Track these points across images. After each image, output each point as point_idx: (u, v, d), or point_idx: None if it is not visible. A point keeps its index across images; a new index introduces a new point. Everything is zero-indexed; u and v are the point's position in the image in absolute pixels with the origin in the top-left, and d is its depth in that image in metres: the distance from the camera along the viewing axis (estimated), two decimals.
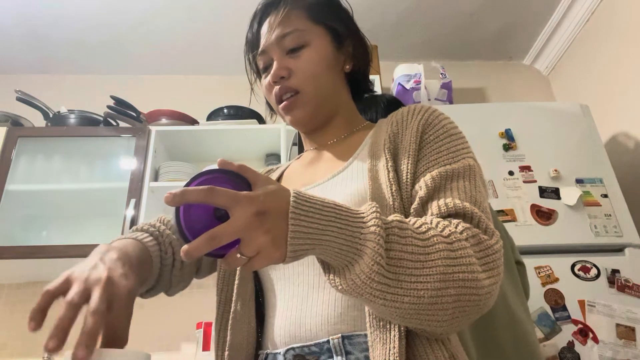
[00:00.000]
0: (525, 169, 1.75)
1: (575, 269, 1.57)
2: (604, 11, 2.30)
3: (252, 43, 0.87)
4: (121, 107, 2.14)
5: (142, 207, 1.91)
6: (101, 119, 2.18)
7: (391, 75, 2.42)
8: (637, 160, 2.05)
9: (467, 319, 0.57)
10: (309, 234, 0.50)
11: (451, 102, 2.28)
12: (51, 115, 2.17)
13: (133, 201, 1.88)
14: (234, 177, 0.53)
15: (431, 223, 0.58)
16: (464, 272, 0.54)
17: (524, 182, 1.72)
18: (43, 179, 2.05)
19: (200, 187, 0.48)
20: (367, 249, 0.51)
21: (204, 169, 0.55)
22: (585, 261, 1.58)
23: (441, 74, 2.32)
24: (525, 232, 1.63)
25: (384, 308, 0.54)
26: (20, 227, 2.05)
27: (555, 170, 1.73)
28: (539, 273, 1.56)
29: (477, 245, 0.58)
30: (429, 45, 2.66)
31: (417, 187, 0.66)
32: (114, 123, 2.20)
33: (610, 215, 1.66)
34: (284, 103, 0.80)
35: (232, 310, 0.74)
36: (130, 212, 1.85)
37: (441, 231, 0.57)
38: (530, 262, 1.57)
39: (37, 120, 2.21)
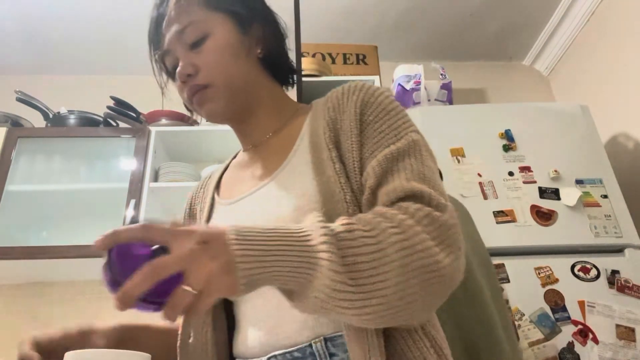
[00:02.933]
0: (525, 169, 1.75)
1: (575, 270, 1.57)
2: (603, 12, 2.30)
3: (155, 42, 0.83)
4: (121, 108, 2.14)
5: (142, 207, 1.90)
6: (101, 119, 2.18)
7: (391, 76, 2.42)
8: (637, 161, 2.05)
9: (439, 299, 0.57)
10: (257, 257, 0.47)
11: (451, 103, 2.28)
12: (51, 115, 2.16)
13: (133, 202, 1.88)
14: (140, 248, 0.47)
15: (381, 215, 0.55)
16: (422, 259, 0.53)
17: (524, 182, 1.72)
18: (43, 180, 2.05)
19: (133, 225, 0.45)
20: (322, 261, 0.49)
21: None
22: (585, 262, 1.58)
23: (441, 74, 2.32)
24: (525, 232, 1.63)
25: (357, 317, 0.52)
26: (20, 228, 2.04)
27: (555, 171, 1.73)
28: (539, 274, 1.56)
29: (431, 224, 0.56)
30: (428, 45, 2.66)
31: (365, 175, 0.64)
32: (114, 123, 2.20)
33: (610, 215, 1.66)
34: (195, 97, 0.75)
35: (181, 340, 0.73)
36: (130, 213, 1.85)
37: (391, 222, 0.54)
38: (530, 263, 1.57)
39: (37, 120, 2.21)
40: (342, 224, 0.52)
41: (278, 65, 0.83)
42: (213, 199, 0.83)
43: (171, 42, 0.76)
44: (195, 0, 0.76)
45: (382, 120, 0.68)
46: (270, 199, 0.71)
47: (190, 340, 0.72)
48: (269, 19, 0.82)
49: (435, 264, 0.53)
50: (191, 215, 0.88)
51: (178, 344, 0.75)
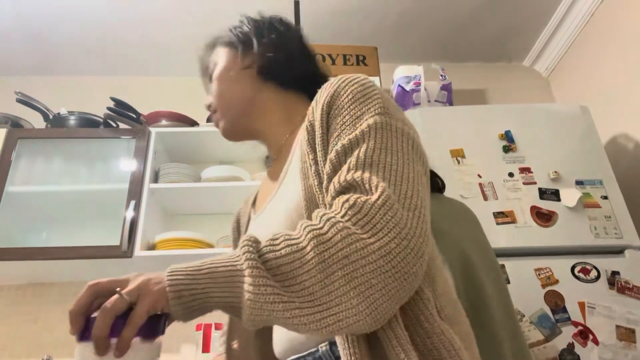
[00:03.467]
0: (525, 170, 1.75)
1: (575, 271, 1.57)
2: (603, 13, 2.30)
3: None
4: (121, 109, 2.14)
5: (142, 208, 1.90)
6: (101, 120, 2.18)
7: (391, 77, 2.42)
8: (637, 162, 2.05)
9: (385, 293, 0.51)
10: (187, 274, 0.54)
11: (451, 104, 2.28)
12: (51, 116, 2.17)
13: (133, 203, 1.88)
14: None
15: (314, 219, 0.56)
16: (343, 249, 0.51)
17: (524, 183, 1.72)
18: (43, 181, 2.05)
19: (81, 293, 0.55)
20: (246, 271, 0.52)
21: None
22: (585, 263, 1.58)
23: (441, 75, 2.32)
24: (525, 233, 1.63)
25: (297, 322, 0.52)
26: (20, 229, 2.04)
27: (555, 172, 1.73)
28: (539, 275, 1.56)
29: (357, 213, 0.54)
30: (428, 46, 2.66)
31: (326, 173, 0.63)
32: (114, 124, 2.20)
33: (610, 216, 1.66)
34: (212, 122, 0.89)
35: (227, 345, 0.81)
36: (130, 214, 1.85)
37: (316, 221, 0.55)
38: (530, 264, 1.57)
39: (37, 121, 2.21)
40: (271, 235, 0.56)
41: (281, 73, 0.84)
42: (250, 212, 0.93)
43: (204, 80, 0.92)
44: (216, 43, 0.90)
45: (345, 111, 0.65)
46: (276, 210, 0.76)
47: (235, 346, 0.78)
48: (265, 32, 0.85)
49: (360, 251, 0.51)
50: (238, 229, 0.99)
51: (224, 349, 0.82)
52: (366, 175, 0.56)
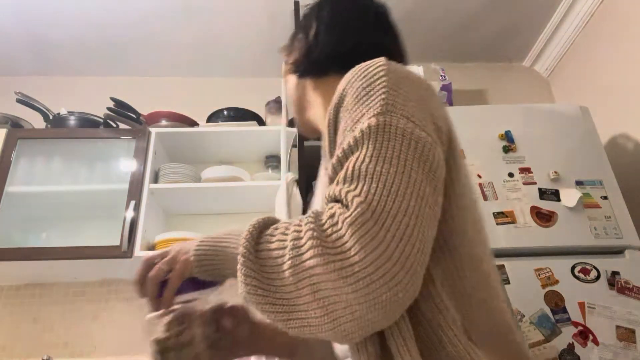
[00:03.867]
0: (525, 170, 1.75)
1: (575, 271, 1.57)
2: (603, 13, 2.30)
3: None
4: (121, 109, 2.14)
5: (142, 208, 1.91)
6: (101, 120, 2.18)
7: None
8: (637, 162, 2.05)
9: (349, 314, 0.48)
10: (210, 246, 0.67)
11: (451, 104, 2.28)
12: (51, 117, 2.17)
13: (133, 203, 1.88)
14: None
15: (309, 216, 0.53)
16: (310, 259, 0.48)
17: (524, 184, 1.72)
18: (43, 181, 2.05)
19: (141, 270, 0.71)
20: (240, 258, 0.55)
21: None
22: (585, 263, 1.58)
23: (441, 76, 2.32)
24: (525, 233, 1.63)
25: (269, 316, 0.52)
26: (20, 229, 2.04)
27: (555, 172, 1.73)
28: (539, 275, 1.56)
29: (334, 225, 0.49)
30: (428, 47, 2.66)
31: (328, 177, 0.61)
32: (114, 125, 2.20)
33: (610, 217, 1.66)
34: None
35: None
36: (130, 214, 1.85)
37: (302, 226, 0.51)
38: (530, 264, 1.57)
39: (37, 122, 2.21)
40: (278, 224, 0.56)
41: (313, 63, 0.84)
42: None
43: None
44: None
45: (348, 114, 0.59)
46: (321, 183, 0.83)
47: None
48: (300, 31, 0.88)
49: (324, 266, 0.47)
50: None
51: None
52: (350, 188, 0.51)
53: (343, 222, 0.48)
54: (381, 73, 0.60)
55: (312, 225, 0.50)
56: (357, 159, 0.53)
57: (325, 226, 0.49)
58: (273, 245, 0.53)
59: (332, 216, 0.49)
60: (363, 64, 0.63)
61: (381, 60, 0.63)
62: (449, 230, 0.59)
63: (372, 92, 0.58)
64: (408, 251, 0.47)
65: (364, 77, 0.60)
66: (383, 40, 0.84)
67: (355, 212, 0.48)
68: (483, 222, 0.68)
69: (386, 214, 0.48)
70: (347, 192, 0.50)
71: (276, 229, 0.55)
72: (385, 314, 0.48)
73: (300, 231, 0.51)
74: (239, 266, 0.54)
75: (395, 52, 0.86)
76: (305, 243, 0.49)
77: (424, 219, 0.50)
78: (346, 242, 0.47)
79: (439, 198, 0.54)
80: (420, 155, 0.53)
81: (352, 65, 0.65)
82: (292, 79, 0.88)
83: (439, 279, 0.57)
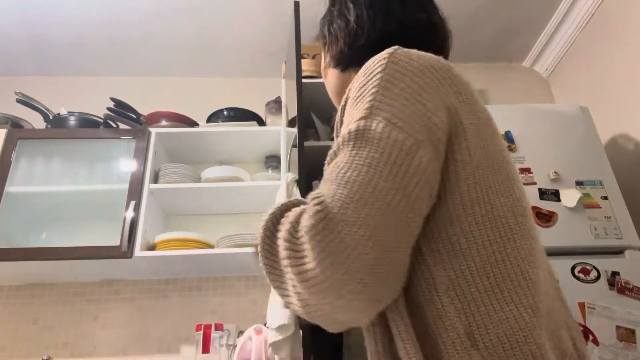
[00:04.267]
0: (525, 171, 1.75)
1: (575, 271, 1.57)
2: (603, 13, 2.30)
3: None
4: (121, 109, 2.14)
5: (142, 209, 1.90)
6: (101, 121, 2.18)
7: None
8: (637, 162, 2.05)
9: (314, 309, 0.53)
10: (264, 223, 0.58)
11: None
12: (51, 117, 2.17)
13: (133, 203, 1.88)
14: None
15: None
16: (280, 252, 0.53)
17: (524, 184, 1.72)
18: (43, 181, 2.05)
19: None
20: (259, 241, 0.57)
21: None
22: (585, 263, 1.58)
23: None
24: None
25: (271, 285, 0.56)
26: (20, 229, 2.04)
27: (555, 172, 1.73)
28: None
29: (298, 230, 0.51)
30: None
31: None
32: (114, 125, 2.20)
33: (610, 217, 1.66)
34: None
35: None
36: (130, 214, 1.85)
37: (290, 216, 0.54)
38: None
39: (37, 122, 2.21)
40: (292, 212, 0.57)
41: (359, 52, 0.77)
42: None
43: None
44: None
45: (346, 115, 0.60)
46: None
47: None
48: (335, 17, 0.82)
49: (284, 260, 0.51)
50: None
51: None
52: (317, 194, 0.51)
53: (304, 228, 0.49)
54: (378, 69, 0.59)
55: (288, 227, 0.51)
56: (335, 164, 0.53)
57: (297, 228, 0.50)
58: (280, 229, 0.54)
59: (298, 221, 0.51)
60: (366, 64, 0.63)
61: (384, 53, 0.62)
62: (455, 233, 0.56)
63: (365, 92, 0.58)
64: (360, 262, 0.47)
65: (364, 74, 0.60)
66: (425, 15, 0.80)
67: (314, 220, 0.48)
68: (523, 215, 0.64)
69: (343, 223, 0.47)
70: (313, 197, 0.50)
71: (287, 216, 0.55)
72: (351, 316, 0.52)
73: (285, 230, 0.53)
74: (259, 249, 0.56)
75: (439, 25, 0.81)
76: (281, 244, 0.52)
77: (386, 229, 0.49)
78: (305, 248, 0.48)
79: (417, 204, 0.52)
80: (394, 162, 0.52)
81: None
82: (334, 73, 0.82)
83: (444, 284, 0.55)
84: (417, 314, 0.56)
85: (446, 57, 0.81)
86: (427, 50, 0.68)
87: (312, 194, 0.51)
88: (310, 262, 0.48)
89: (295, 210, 0.53)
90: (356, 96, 0.59)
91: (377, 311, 0.54)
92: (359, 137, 0.53)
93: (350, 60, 0.79)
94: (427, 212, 0.56)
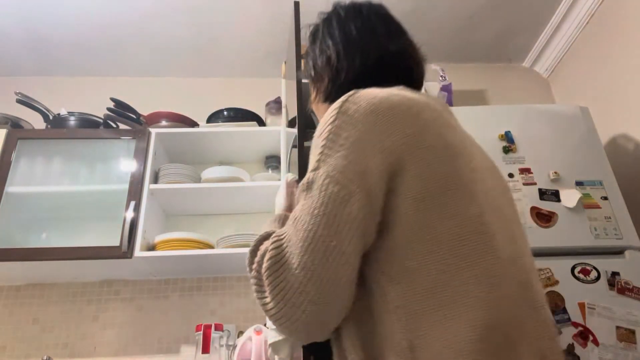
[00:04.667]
0: (525, 171, 1.75)
1: (575, 272, 1.57)
2: (603, 13, 2.30)
3: None
4: (121, 110, 2.14)
5: (142, 209, 1.90)
6: (101, 121, 2.18)
7: None
8: (637, 163, 2.05)
9: (287, 322, 0.64)
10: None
11: (451, 105, 2.28)
12: (51, 117, 2.17)
13: (133, 203, 1.88)
14: None
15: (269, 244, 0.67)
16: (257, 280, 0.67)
17: (524, 184, 1.72)
18: (43, 181, 2.05)
19: None
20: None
21: None
22: (585, 263, 1.58)
23: (441, 76, 2.32)
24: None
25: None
26: (20, 230, 2.04)
27: (555, 173, 1.73)
28: (539, 275, 1.55)
29: (260, 267, 0.66)
30: (428, 47, 2.63)
31: None
32: (114, 125, 2.20)
33: (610, 217, 1.66)
34: None
35: None
36: (130, 214, 1.85)
37: (267, 245, 0.67)
38: None
39: (37, 122, 2.21)
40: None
41: (343, 88, 0.78)
42: None
43: None
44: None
45: (310, 155, 0.71)
46: None
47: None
48: (317, 54, 0.89)
49: (264, 307, 0.64)
50: None
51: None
52: (279, 236, 0.65)
53: (263, 269, 0.63)
54: (330, 120, 0.68)
55: (256, 266, 0.66)
56: (296, 209, 0.65)
57: (260, 270, 0.65)
58: (268, 250, 0.66)
59: (261, 262, 0.65)
60: (330, 107, 0.71)
61: (338, 103, 0.69)
62: (407, 256, 0.62)
63: (318, 142, 0.68)
64: (303, 297, 0.60)
65: (323, 122, 0.69)
66: (398, 44, 0.87)
67: (269, 263, 0.63)
68: (481, 233, 0.64)
69: (289, 265, 0.61)
70: (274, 240, 0.64)
71: (259, 251, 0.69)
72: (306, 338, 0.66)
73: (254, 270, 0.67)
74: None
75: (410, 52, 0.89)
76: (251, 282, 0.67)
77: (323, 269, 0.60)
78: (264, 285, 0.63)
79: (351, 247, 0.61)
80: (330, 212, 0.61)
81: (380, 80, 0.75)
82: (324, 107, 0.84)
83: (393, 303, 0.61)
84: (370, 330, 0.63)
85: (420, 80, 0.89)
86: (403, 79, 0.79)
87: (276, 234, 0.65)
88: (267, 296, 0.62)
89: (262, 249, 0.67)
90: (315, 142, 0.68)
91: (328, 331, 0.65)
92: (308, 188, 0.65)
93: (336, 94, 0.80)
94: (366, 248, 0.64)
